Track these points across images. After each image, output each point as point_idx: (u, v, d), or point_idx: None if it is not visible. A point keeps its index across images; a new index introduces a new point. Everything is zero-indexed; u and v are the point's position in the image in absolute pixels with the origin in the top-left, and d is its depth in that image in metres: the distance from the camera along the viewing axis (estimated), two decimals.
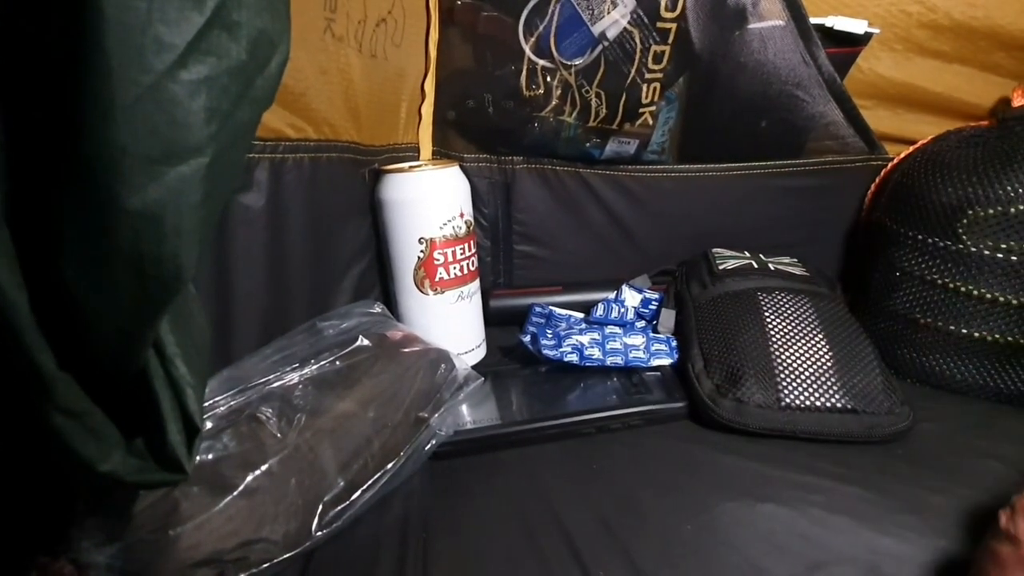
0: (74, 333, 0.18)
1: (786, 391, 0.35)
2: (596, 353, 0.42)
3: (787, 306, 0.41)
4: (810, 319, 0.39)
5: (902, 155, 0.50)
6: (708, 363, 0.39)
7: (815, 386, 0.35)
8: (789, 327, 0.39)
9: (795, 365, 0.36)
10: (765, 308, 0.41)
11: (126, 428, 0.20)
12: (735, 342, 0.39)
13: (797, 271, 0.46)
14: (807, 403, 0.35)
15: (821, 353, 0.37)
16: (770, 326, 0.39)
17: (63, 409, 0.17)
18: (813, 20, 0.43)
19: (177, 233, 0.18)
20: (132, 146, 0.17)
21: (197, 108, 0.18)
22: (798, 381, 0.36)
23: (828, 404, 0.35)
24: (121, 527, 0.22)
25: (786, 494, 0.31)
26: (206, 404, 0.29)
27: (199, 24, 0.17)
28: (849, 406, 0.34)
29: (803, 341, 0.38)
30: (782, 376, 0.36)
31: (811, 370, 0.36)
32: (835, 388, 0.35)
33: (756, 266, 0.46)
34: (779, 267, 0.46)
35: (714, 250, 0.51)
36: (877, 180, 0.52)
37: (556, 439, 0.37)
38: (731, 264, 0.47)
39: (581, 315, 0.51)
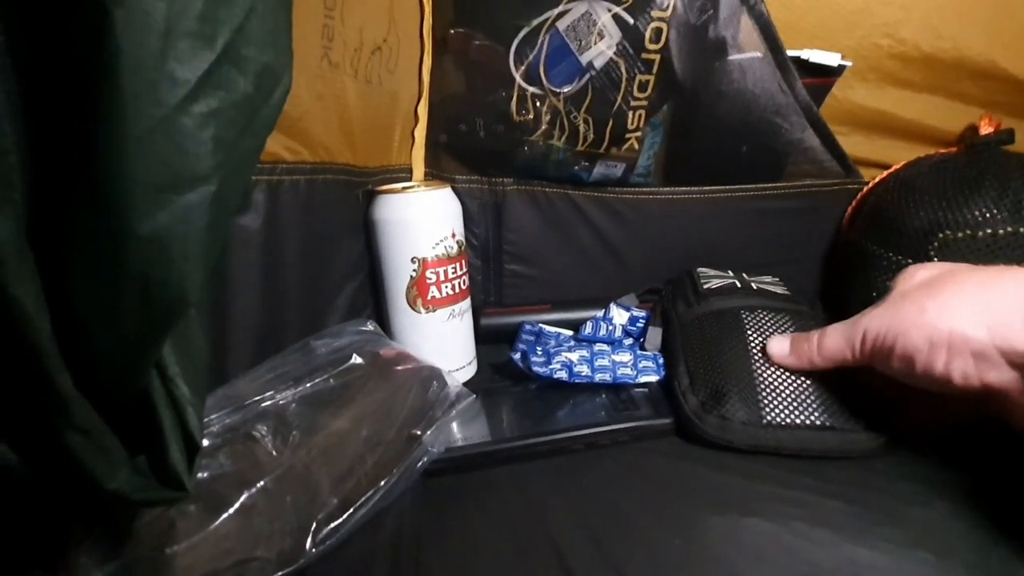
0: (81, 353, 0.18)
1: (768, 408, 0.36)
2: (585, 370, 0.43)
3: (769, 324, 0.41)
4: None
5: (877, 179, 0.52)
6: (693, 380, 0.40)
7: (796, 404, 0.36)
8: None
9: (776, 383, 0.37)
10: (748, 327, 0.41)
11: (129, 446, 0.20)
12: (719, 360, 0.40)
13: (779, 290, 0.47)
14: (788, 421, 0.36)
15: (801, 374, 0.38)
16: (752, 345, 0.40)
17: (78, 427, 0.18)
18: (790, 52, 0.45)
19: (184, 258, 0.19)
20: (143, 175, 0.18)
21: (205, 139, 0.19)
22: (780, 399, 0.36)
23: (808, 422, 0.35)
24: (119, 545, 0.23)
25: (771, 508, 0.32)
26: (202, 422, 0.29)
27: (210, 60, 0.18)
28: (828, 423, 0.35)
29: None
30: (764, 394, 0.37)
31: (791, 388, 0.37)
32: (815, 406, 0.36)
33: (739, 285, 0.47)
34: (761, 286, 0.47)
35: (699, 270, 0.52)
36: (854, 203, 0.54)
37: (546, 456, 0.38)
38: (715, 283, 0.48)
39: (570, 333, 0.52)
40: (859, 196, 0.53)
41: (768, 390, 0.37)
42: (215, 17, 0.18)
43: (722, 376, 0.38)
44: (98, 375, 0.19)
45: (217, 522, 0.25)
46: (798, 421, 0.36)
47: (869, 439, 0.35)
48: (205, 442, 0.28)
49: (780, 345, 0.38)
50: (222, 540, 0.25)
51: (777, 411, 0.36)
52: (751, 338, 0.40)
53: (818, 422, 0.35)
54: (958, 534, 0.29)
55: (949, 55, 0.46)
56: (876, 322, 0.32)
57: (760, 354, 0.39)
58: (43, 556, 0.22)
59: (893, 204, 0.46)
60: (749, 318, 0.42)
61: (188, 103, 0.18)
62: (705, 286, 0.48)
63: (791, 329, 0.40)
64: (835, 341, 0.35)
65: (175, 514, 0.24)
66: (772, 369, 0.38)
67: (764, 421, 0.36)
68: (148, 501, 0.21)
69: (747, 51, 0.45)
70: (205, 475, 0.27)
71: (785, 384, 0.37)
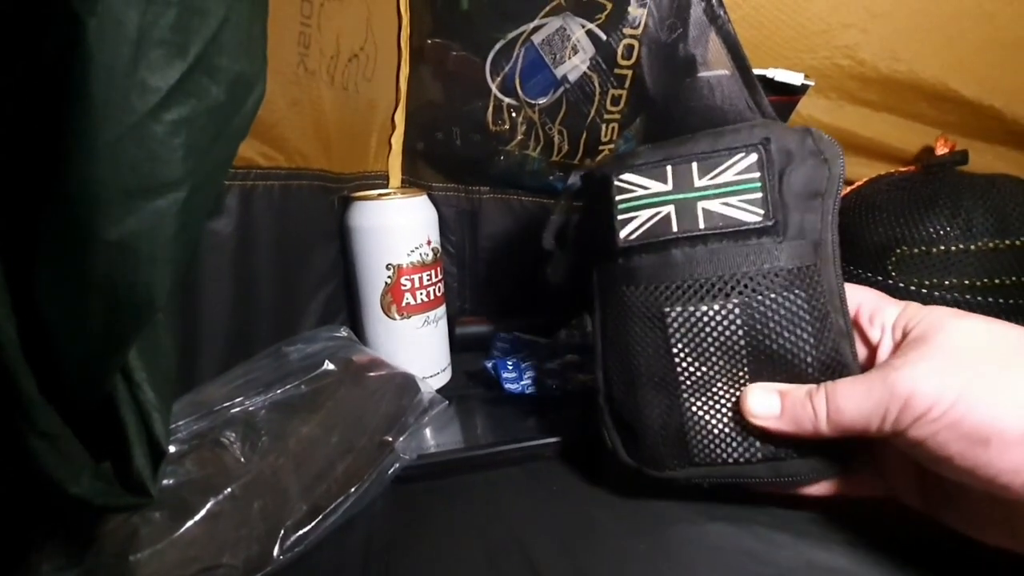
0: (46, 357, 0.18)
1: (696, 450, 0.29)
2: (556, 382, 0.43)
3: (706, 333, 0.29)
4: (736, 348, 0.28)
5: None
6: (611, 402, 0.33)
7: (733, 442, 0.29)
8: (705, 367, 0.29)
9: (708, 420, 0.29)
10: (675, 339, 0.29)
11: (93, 452, 0.20)
12: (636, 389, 0.31)
13: (747, 215, 0.29)
14: (720, 460, 0.29)
15: (739, 392, 0.29)
16: (680, 366, 0.29)
17: (40, 432, 0.18)
18: (756, 71, 0.47)
19: (152, 263, 0.19)
20: (112, 181, 0.18)
21: (176, 146, 0.19)
22: (711, 438, 0.29)
23: (744, 458, 0.29)
24: (81, 552, 0.22)
25: (734, 513, 0.32)
26: (169, 428, 0.29)
27: (182, 69, 0.19)
28: (770, 454, 0.28)
29: (722, 385, 0.29)
30: (692, 435, 0.29)
31: (730, 424, 0.29)
32: (756, 438, 0.29)
33: (675, 220, 0.30)
34: (712, 210, 0.29)
35: (620, 178, 0.32)
36: None
37: (518, 462, 0.38)
38: (640, 220, 0.30)
39: (545, 340, 0.53)
40: None
41: (698, 430, 0.29)
42: (188, 27, 0.18)
43: (639, 414, 0.31)
44: (63, 379, 0.19)
45: (182, 529, 0.25)
46: (731, 459, 0.29)
47: (809, 469, 0.28)
48: (171, 448, 0.28)
49: (765, 403, 0.28)
50: (187, 547, 0.25)
51: (707, 451, 0.29)
52: (679, 357, 0.29)
53: (758, 455, 0.28)
54: (916, 537, 0.29)
55: (905, 77, 0.48)
56: (929, 386, 0.23)
57: (688, 377, 0.29)
58: (4, 561, 0.22)
59: (855, 220, 0.48)
60: (679, 322, 0.29)
61: (159, 110, 0.18)
62: (624, 229, 0.31)
63: (738, 334, 0.28)
64: (857, 407, 0.25)
65: (139, 521, 0.24)
66: (705, 399, 0.29)
67: (694, 462, 0.30)
68: (111, 507, 0.21)
69: (716, 69, 0.47)
70: (171, 481, 0.26)
71: (720, 419, 0.29)
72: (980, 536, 0.26)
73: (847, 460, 0.28)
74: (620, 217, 0.31)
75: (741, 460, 0.28)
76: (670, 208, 0.30)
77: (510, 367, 0.44)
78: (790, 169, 0.29)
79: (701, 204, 0.29)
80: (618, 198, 0.31)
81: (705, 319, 0.29)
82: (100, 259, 0.18)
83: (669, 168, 0.30)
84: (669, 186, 0.30)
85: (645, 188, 0.31)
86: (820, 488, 0.30)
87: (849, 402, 0.25)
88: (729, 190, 0.29)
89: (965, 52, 0.48)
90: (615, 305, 0.32)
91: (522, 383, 0.43)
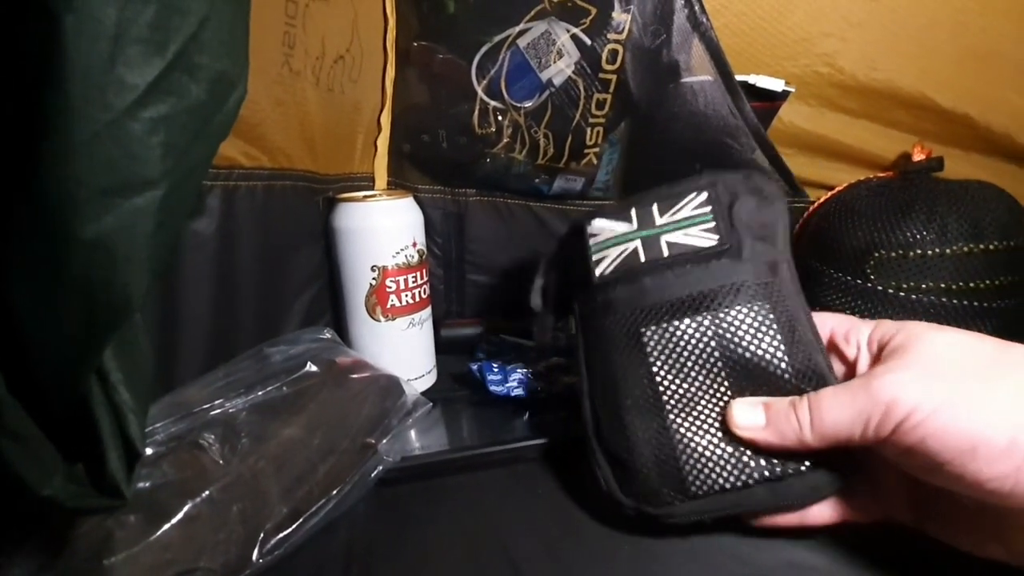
0: (17, 355, 0.18)
1: (692, 477, 0.28)
2: (541, 384, 0.43)
3: (682, 347, 0.30)
4: (712, 361, 0.29)
5: (821, 200, 0.55)
6: (600, 438, 0.32)
7: (726, 463, 0.28)
8: (686, 383, 0.30)
9: (699, 441, 0.29)
10: (654, 357, 0.30)
11: (65, 453, 0.20)
12: (621, 415, 0.31)
13: (704, 242, 0.31)
14: (718, 486, 0.28)
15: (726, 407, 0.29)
16: (663, 385, 0.30)
17: (9, 431, 0.17)
18: (738, 77, 0.48)
19: (129, 262, 0.19)
20: (88, 179, 0.18)
21: (154, 144, 0.19)
22: (705, 462, 0.28)
23: (741, 482, 0.28)
24: (53, 555, 0.22)
25: None
26: (147, 430, 0.29)
27: (160, 67, 0.18)
28: (766, 475, 0.28)
29: (706, 402, 0.29)
30: (685, 459, 0.29)
31: (720, 445, 0.29)
32: (749, 458, 0.28)
33: (642, 256, 0.32)
34: (675, 241, 0.32)
35: (591, 225, 0.36)
36: (800, 222, 0.57)
37: (503, 464, 0.38)
38: (612, 255, 0.34)
39: (530, 343, 0.53)
40: (805, 215, 0.56)
41: (689, 453, 0.29)
42: (167, 25, 0.18)
43: (629, 445, 0.30)
44: (35, 378, 0.19)
45: (158, 532, 0.25)
46: (728, 485, 0.28)
47: (808, 489, 0.28)
48: (148, 450, 0.28)
49: (749, 415, 0.28)
50: (163, 550, 0.25)
51: (702, 478, 0.28)
52: (660, 375, 0.30)
53: (755, 476, 0.28)
54: (895, 537, 0.30)
55: (883, 85, 0.49)
56: (910, 392, 0.24)
57: (672, 394, 0.30)
58: None
59: (835, 225, 0.49)
60: (656, 340, 0.30)
61: (137, 108, 0.18)
62: (599, 268, 0.34)
63: (712, 348, 0.29)
64: (840, 415, 0.25)
65: (113, 524, 0.24)
66: (692, 418, 0.29)
67: (690, 493, 0.28)
68: (83, 509, 0.21)
69: (699, 74, 0.47)
70: (147, 484, 0.26)
71: (710, 439, 0.29)
72: (971, 548, 0.26)
73: (844, 475, 0.28)
74: (595, 258, 0.34)
75: (739, 484, 0.28)
76: (637, 243, 0.33)
77: (495, 369, 0.44)
78: (738, 204, 0.32)
79: (664, 237, 0.33)
80: (591, 242, 0.35)
81: (679, 334, 0.30)
82: (75, 258, 0.18)
83: (633, 211, 0.35)
84: (634, 225, 0.34)
85: (613, 230, 0.35)
86: (822, 515, 0.29)
87: (832, 411, 0.26)
88: (687, 223, 0.33)
89: (941, 62, 0.49)
90: (596, 337, 0.33)
91: (507, 385, 0.43)
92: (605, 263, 0.34)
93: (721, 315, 0.30)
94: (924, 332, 0.26)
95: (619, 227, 0.34)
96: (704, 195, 0.33)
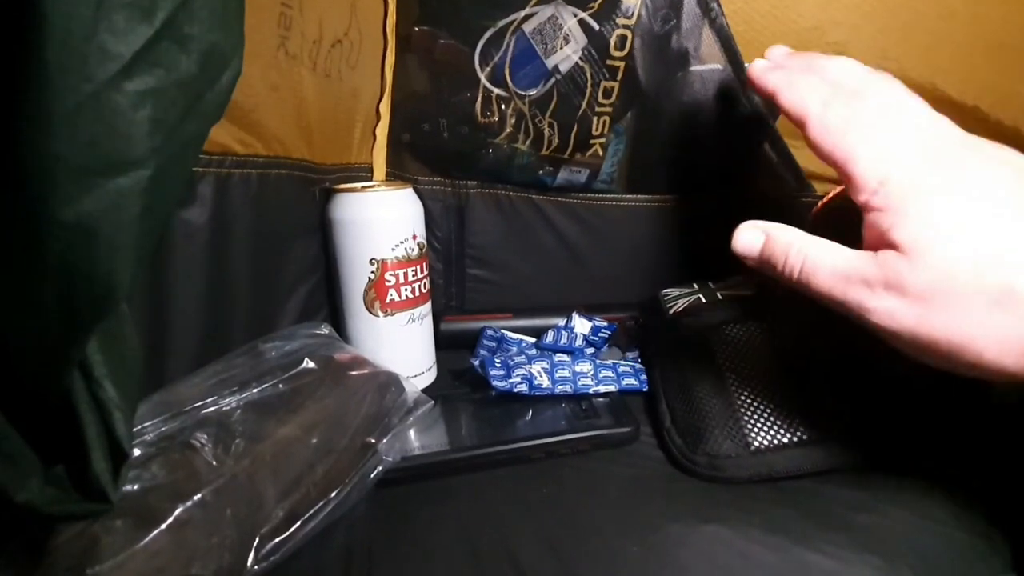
0: None
1: (753, 433, 0.35)
2: (545, 382, 0.42)
3: (738, 340, 0.40)
4: (762, 350, 0.39)
5: (830, 195, 0.54)
6: (675, 419, 0.39)
7: (779, 421, 0.35)
8: (743, 364, 0.38)
9: (756, 403, 0.36)
10: (717, 349, 0.40)
11: (44, 454, 0.18)
12: (693, 395, 0.39)
13: (745, 291, 0.45)
14: (776, 441, 0.35)
15: (778, 385, 0.37)
16: (725, 367, 0.39)
17: None
18: (748, 66, 0.47)
19: (112, 249, 0.17)
20: (68, 156, 0.16)
21: (141, 120, 0.17)
22: (762, 420, 0.36)
23: (795, 439, 0.35)
24: (34, 565, 0.20)
25: (726, 515, 0.32)
26: (135, 430, 0.27)
27: (147, 35, 0.17)
28: (813, 436, 0.34)
29: (760, 376, 0.37)
30: (746, 419, 0.36)
31: (772, 404, 0.36)
32: (798, 418, 0.35)
33: (704, 300, 0.45)
34: (726, 293, 0.46)
35: (663, 292, 0.50)
36: (813, 215, 0.56)
37: (506, 464, 0.37)
38: (680, 304, 0.46)
39: (532, 340, 0.52)
40: (813, 211, 0.55)
41: (749, 413, 0.36)
42: None
43: (700, 413, 0.38)
44: (11, 373, 0.17)
45: (147, 538, 0.23)
46: (785, 440, 0.35)
47: (852, 455, 0.34)
48: (136, 451, 0.26)
49: (748, 241, 0.33)
50: (152, 557, 0.23)
51: (763, 434, 0.35)
52: (722, 361, 0.39)
53: (805, 436, 0.35)
54: (904, 539, 0.30)
55: (894, 75, 0.48)
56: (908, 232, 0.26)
57: (733, 375, 0.38)
58: None
59: (843, 219, 0.48)
60: (717, 339, 0.41)
61: (121, 79, 0.17)
62: (671, 309, 0.46)
63: (761, 340, 0.40)
64: (832, 267, 0.28)
65: (99, 530, 0.22)
66: (748, 390, 0.37)
67: (752, 448, 0.35)
68: (65, 514, 0.19)
69: (709, 63, 0.46)
70: (135, 487, 0.25)
71: (765, 401, 0.36)
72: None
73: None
74: (667, 306, 0.47)
75: (793, 440, 0.35)
76: (699, 296, 0.46)
77: (498, 365, 0.43)
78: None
79: (718, 292, 0.46)
80: (664, 297, 0.49)
81: (732, 335, 0.41)
82: (55, 242, 0.16)
83: (695, 284, 0.49)
84: (696, 287, 0.48)
85: (679, 291, 0.48)
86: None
87: (822, 278, 0.28)
88: (732, 285, 0.46)
89: (952, 53, 0.48)
90: (670, 351, 0.45)
91: (510, 381, 0.42)
92: (674, 307, 0.47)
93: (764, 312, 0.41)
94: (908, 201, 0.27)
95: (683, 290, 0.48)
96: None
